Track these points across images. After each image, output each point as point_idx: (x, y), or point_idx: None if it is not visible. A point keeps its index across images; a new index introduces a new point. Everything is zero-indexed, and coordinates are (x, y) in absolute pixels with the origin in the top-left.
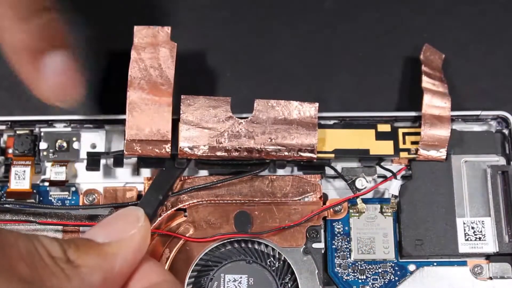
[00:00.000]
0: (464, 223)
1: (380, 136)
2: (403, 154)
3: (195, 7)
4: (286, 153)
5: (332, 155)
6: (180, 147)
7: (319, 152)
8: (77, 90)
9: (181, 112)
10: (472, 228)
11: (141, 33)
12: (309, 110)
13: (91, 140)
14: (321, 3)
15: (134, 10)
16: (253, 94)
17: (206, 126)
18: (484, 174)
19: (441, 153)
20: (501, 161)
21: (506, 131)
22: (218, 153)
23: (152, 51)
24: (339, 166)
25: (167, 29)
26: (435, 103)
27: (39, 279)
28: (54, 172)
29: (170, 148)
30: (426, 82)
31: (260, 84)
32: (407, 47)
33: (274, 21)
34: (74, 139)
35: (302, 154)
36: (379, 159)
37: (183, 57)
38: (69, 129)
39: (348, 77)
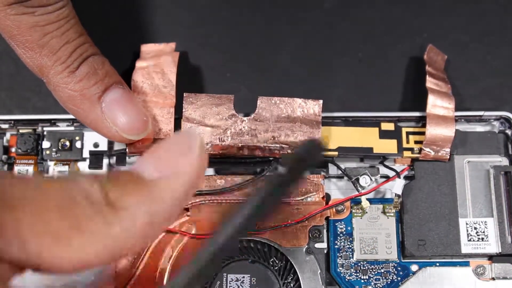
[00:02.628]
0: (466, 224)
1: (383, 134)
2: (407, 153)
3: (195, 7)
4: (289, 151)
5: (336, 153)
6: None
7: None
8: (146, 114)
9: (183, 109)
10: (475, 228)
11: (147, 49)
12: (313, 107)
13: (94, 139)
14: (321, 3)
15: (134, 10)
16: (253, 94)
17: (209, 124)
18: (487, 174)
19: (445, 153)
20: (504, 161)
21: (509, 132)
22: (221, 151)
23: (156, 61)
24: (341, 166)
25: (172, 45)
26: (439, 103)
27: (77, 228)
28: (57, 171)
29: None
30: (430, 82)
31: (260, 84)
32: (407, 47)
33: (274, 21)
34: (77, 138)
35: None
36: (383, 157)
37: (183, 57)
38: (72, 128)
39: (348, 77)
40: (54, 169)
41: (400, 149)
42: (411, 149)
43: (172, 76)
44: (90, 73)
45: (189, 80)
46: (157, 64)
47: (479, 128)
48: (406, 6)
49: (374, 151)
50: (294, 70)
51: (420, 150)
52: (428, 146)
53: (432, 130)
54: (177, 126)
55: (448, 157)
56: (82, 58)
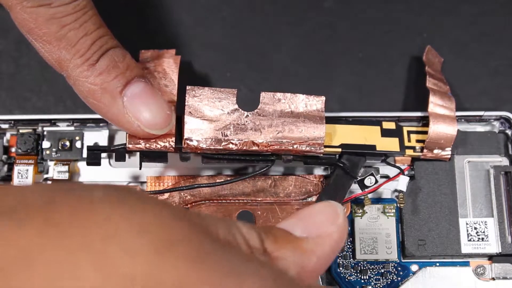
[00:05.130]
0: (467, 224)
1: (385, 133)
2: (409, 152)
3: (195, 7)
4: (293, 147)
5: (339, 150)
6: (185, 139)
7: (325, 147)
8: (169, 108)
9: (186, 103)
10: (475, 228)
11: (146, 55)
12: (316, 103)
13: (94, 139)
14: (321, 3)
15: (134, 11)
16: (253, 94)
17: (212, 118)
18: (487, 174)
19: (446, 152)
20: (504, 161)
21: (509, 132)
22: (224, 146)
23: (157, 63)
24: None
25: (172, 51)
26: (440, 103)
27: (235, 268)
28: (57, 171)
29: (174, 141)
30: (430, 82)
31: (260, 84)
32: (407, 47)
33: (274, 21)
34: (77, 138)
35: (309, 148)
36: (385, 155)
37: (183, 57)
38: (72, 128)
39: (349, 77)
40: (54, 169)
41: (402, 147)
42: (413, 148)
43: (173, 75)
44: (110, 66)
45: (189, 80)
46: (159, 65)
47: (479, 128)
48: (406, 6)
49: (377, 149)
50: (294, 70)
51: (422, 149)
52: (430, 145)
53: (436, 128)
54: (179, 125)
55: (449, 156)
56: (102, 50)
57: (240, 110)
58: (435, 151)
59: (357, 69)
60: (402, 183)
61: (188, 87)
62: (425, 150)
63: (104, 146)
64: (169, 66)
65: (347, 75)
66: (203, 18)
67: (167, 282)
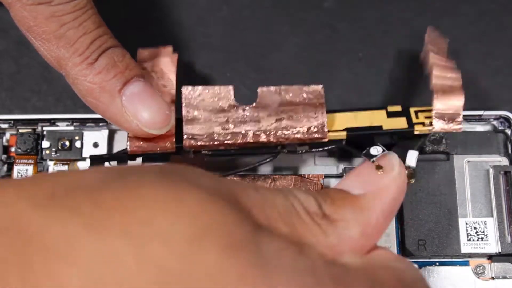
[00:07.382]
0: (466, 223)
1: (391, 115)
2: (418, 127)
3: (195, 7)
4: (295, 135)
5: (344, 134)
6: (185, 138)
7: (330, 131)
8: (168, 108)
9: (182, 101)
10: (475, 228)
11: (143, 54)
12: (314, 91)
13: (94, 138)
14: (321, 3)
15: (133, 10)
16: (253, 94)
17: (210, 115)
18: (487, 174)
19: (457, 123)
20: (504, 161)
21: (508, 131)
22: (225, 141)
23: (154, 62)
24: (341, 165)
25: (169, 48)
26: (445, 74)
27: (297, 236)
28: (57, 171)
29: (174, 141)
30: (433, 58)
31: (260, 84)
32: (407, 47)
33: (274, 21)
34: (76, 137)
35: (312, 134)
36: (394, 134)
37: (182, 57)
38: (71, 128)
39: (348, 77)
40: (53, 168)
41: (411, 124)
42: (422, 123)
43: (171, 75)
44: (109, 65)
45: (189, 80)
46: (156, 65)
47: (478, 127)
48: (406, 6)
49: (384, 128)
50: (294, 70)
51: (431, 123)
52: (438, 118)
53: (441, 99)
54: (178, 125)
55: (461, 127)
56: (101, 49)
57: (238, 105)
58: (445, 123)
59: (357, 69)
60: (411, 158)
61: (183, 87)
62: (434, 124)
63: (105, 154)
64: (166, 65)
65: (347, 75)
66: (203, 18)
67: (199, 274)
